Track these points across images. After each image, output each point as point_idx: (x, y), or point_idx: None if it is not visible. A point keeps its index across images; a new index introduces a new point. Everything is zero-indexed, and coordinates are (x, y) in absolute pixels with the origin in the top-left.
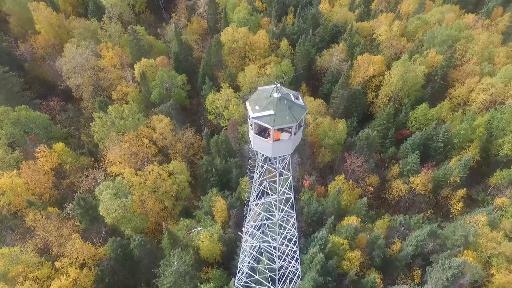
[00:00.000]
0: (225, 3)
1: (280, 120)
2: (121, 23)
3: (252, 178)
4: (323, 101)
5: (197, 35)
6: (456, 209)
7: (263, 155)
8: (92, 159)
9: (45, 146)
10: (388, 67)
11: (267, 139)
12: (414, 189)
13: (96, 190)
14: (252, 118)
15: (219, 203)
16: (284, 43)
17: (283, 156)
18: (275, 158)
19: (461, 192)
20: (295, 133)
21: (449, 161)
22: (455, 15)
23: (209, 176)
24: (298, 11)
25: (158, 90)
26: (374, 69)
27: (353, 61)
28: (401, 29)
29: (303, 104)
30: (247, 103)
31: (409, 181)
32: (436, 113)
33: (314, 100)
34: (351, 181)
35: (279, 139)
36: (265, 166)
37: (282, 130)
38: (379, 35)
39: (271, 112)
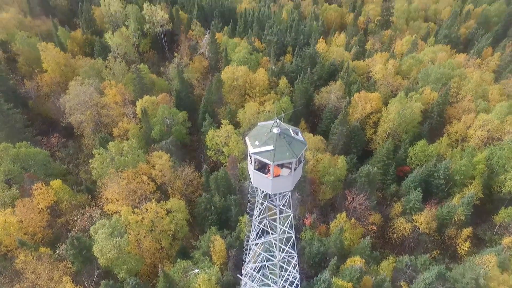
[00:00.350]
0: (226, 43)
1: (280, 155)
2: (125, 62)
3: (251, 216)
4: (322, 138)
5: (198, 74)
6: (463, 249)
7: (263, 191)
8: (89, 196)
9: (43, 183)
10: (385, 104)
11: (267, 175)
12: (418, 228)
13: (92, 229)
14: (252, 153)
15: (217, 243)
16: (283, 81)
17: (284, 193)
18: (275, 194)
19: (467, 231)
20: (295, 169)
21: (452, 198)
22: (447, 55)
23: (207, 214)
24: (296, 51)
25: (159, 126)
26: (371, 106)
27: (350, 98)
28: (396, 67)
29: (303, 140)
30: (246, 138)
31: (413, 219)
32: (435, 149)
33: (313, 136)
34: (353, 220)
35: (279, 175)
36: (265, 203)
37: (282, 166)
38: (375, 73)
39: (271, 147)
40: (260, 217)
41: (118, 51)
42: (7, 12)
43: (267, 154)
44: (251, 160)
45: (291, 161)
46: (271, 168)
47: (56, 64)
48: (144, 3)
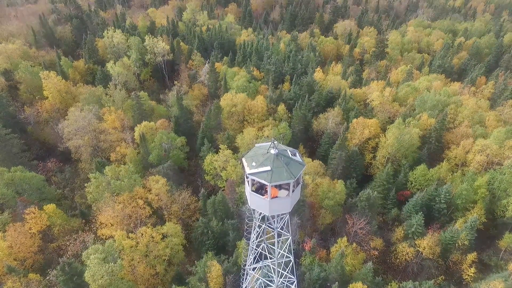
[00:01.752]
0: (225, 72)
1: (277, 176)
2: (126, 90)
3: (249, 240)
4: (321, 162)
5: (197, 101)
6: (468, 275)
7: (260, 214)
8: (83, 221)
9: (36, 208)
10: (383, 130)
11: (264, 197)
12: (422, 253)
13: (84, 254)
14: (249, 174)
15: (214, 268)
16: (281, 107)
17: (281, 215)
18: (273, 217)
19: (472, 256)
20: (293, 190)
21: (454, 223)
22: (442, 83)
23: (204, 239)
24: (294, 79)
25: (156, 151)
26: (369, 131)
27: (348, 124)
28: (392, 94)
29: (301, 161)
30: (243, 159)
31: (415, 244)
32: (435, 174)
33: (312, 161)
34: (354, 244)
35: (276, 197)
36: (263, 226)
37: (280, 187)
38: (372, 100)
39: (268, 168)
40: (258, 240)
41: (119, 80)
42: (13, 44)
43: (264, 175)
44: (248, 181)
45: (289, 181)
46: (268, 189)
47: (57, 91)
48: (146, 35)
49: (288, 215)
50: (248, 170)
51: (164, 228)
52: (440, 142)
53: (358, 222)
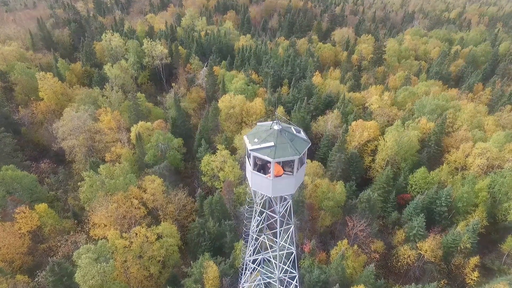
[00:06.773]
0: (223, 75)
1: (281, 152)
2: (123, 92)
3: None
4: (320, 164)
5: (195, 104)
6: (472, 279)
7: (262, 198)
8: (75, 221)
9: (26, 207)
10: (382, 133)
11: (266, 176)
12: (423, 256)
13: (75, 254)
14: (251, 150)
15: (211, 269)
16: (280, 109)
17: (284, 202)
18: (275, 202)
19: (474, 260)
20: (297, 170)
21: (456, 226)
22: (439, 89)
23: (201, 240)
24: (292, 83)
25: (152, 151)
26: (368, 134)
27: (347, 126)
28: (391, 98)
29: (306, 138)
30: (245, 137)
31: (417, 247)
32: (435, 177)
33: (311, 162)
34: (355, 246)
35: (280, 176)
36: (265, 212)
37: (283, 168)
38: (371, 104)
39: (272, 143)
40: (258, 229)
41: (116, 82)
42: (10, 46)
43: (268, 151)
44: (250, 160)
45: (293, 158)
46: (271, 166)
47: (52, 92)
48: (144, 39)
49: (291, 201)
50: (249, 147)
51: (159, 228)
52: (440, 146)
53: (359, 224)
